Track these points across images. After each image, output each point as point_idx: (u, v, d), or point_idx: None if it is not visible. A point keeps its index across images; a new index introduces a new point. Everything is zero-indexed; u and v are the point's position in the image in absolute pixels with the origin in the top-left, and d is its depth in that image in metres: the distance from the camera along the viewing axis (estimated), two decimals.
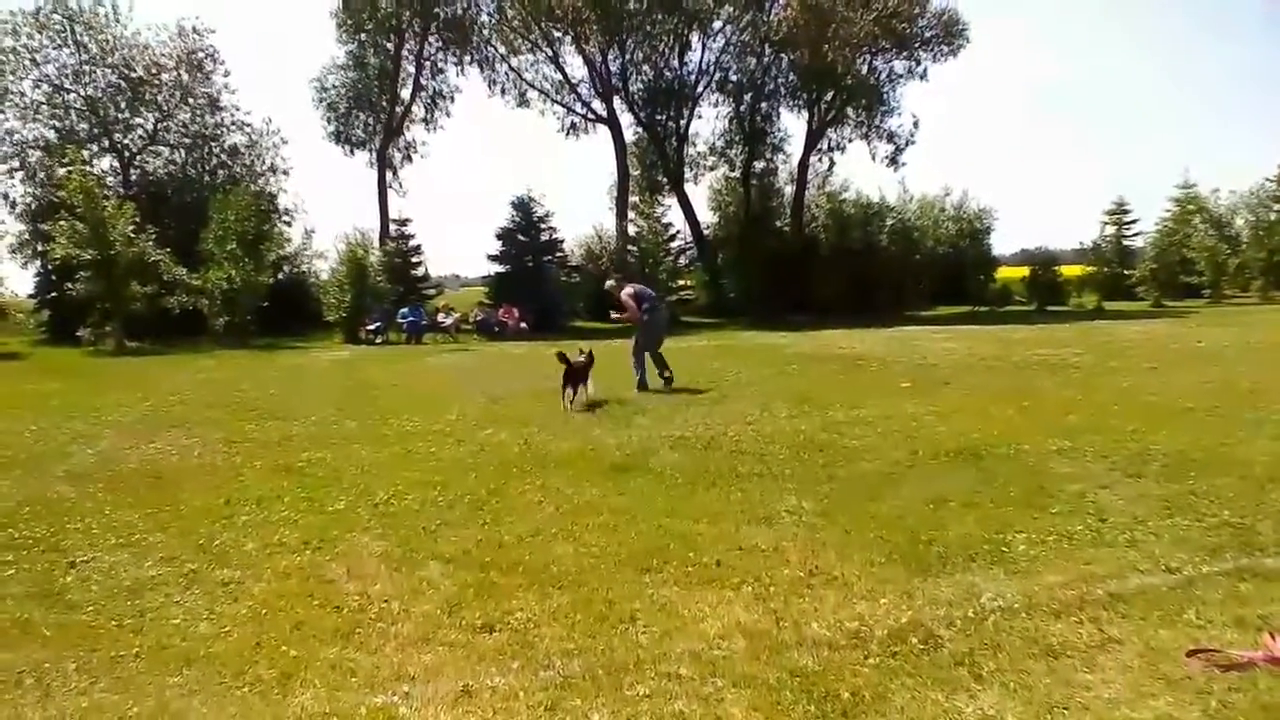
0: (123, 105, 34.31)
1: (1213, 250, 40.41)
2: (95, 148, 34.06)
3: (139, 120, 35.01)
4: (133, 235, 24.70)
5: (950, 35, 38.52)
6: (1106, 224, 46.40)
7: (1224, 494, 5.60)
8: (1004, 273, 46.93)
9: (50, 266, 27.20)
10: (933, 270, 41.06)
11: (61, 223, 24.49)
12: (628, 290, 12.26)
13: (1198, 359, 14.03)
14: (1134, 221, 45.98)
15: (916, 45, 38.73)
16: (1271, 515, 5.12)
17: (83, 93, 33.68)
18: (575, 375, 10.34)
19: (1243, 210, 45.55)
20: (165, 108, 34.95)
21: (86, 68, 33.57)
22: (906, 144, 40.34)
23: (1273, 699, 3.00)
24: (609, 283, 13.68)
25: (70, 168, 25.94)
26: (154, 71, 34.21)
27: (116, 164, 34.74)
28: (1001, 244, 54.39)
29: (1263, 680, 3.12)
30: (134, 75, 33.80)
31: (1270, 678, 3.13)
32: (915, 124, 40.42)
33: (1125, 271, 43.31)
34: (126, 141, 35.04)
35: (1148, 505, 5.42)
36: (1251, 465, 6.35)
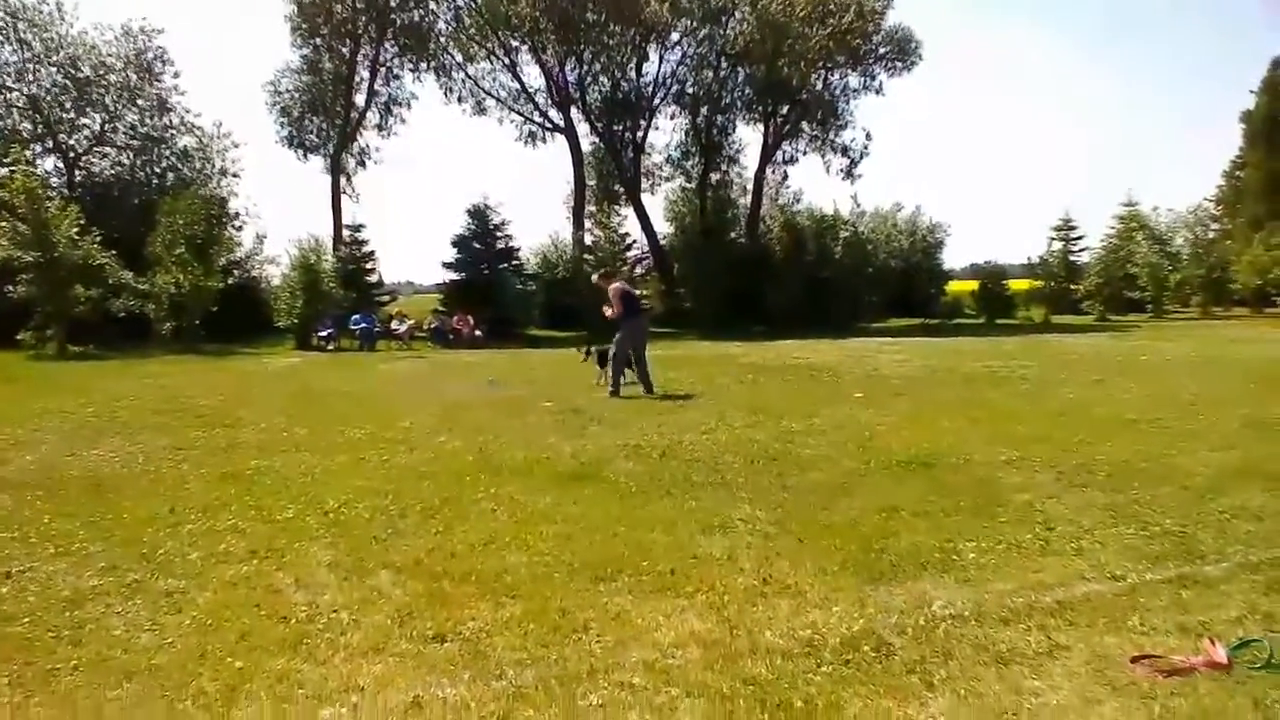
0: (68, 105, 33.57)
1: (1155, 267, 41.52)
2: (39, 148, 33.29)
3: (85, 121, 34.28)
4: (77, 237, 24.07)
5: (903, 52, 39.28)
6: (1054, 240, 47.31)
7: (1166, 503, 5.73)
8: (954, 286, 47.81)
9: None
10: (885, 283, 41.59)
11: (2, 224, 23.83)
12: (616, 286, 12.30)
13: (1141, 372, 14.37)
14: (1080, 238, 46.95)
15: (871, 61, 39.40)
16: (1211, 524, 5.25)
17: (26, 91, 32.91)
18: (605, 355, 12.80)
19: (1182, 229, 46.89)
20: (112, 108, 34.21)
21: (30, 66, 32.82)
22: (860, 157, 41.08)
23: (1213, 703, 3.06)
24: (594, 276, 13.75)
25: (13, 167, 25.28)
26: (101, 71, 33.50)
27: (61, 164, 33.99)
28: (952, 258, 55.28)
29: (1203, 684, 3.18)
30: (80, 75, 33.07)
31: (1210, 682, 3.20)
32: (868, 137, 41.13)
33: (1071, 286, 44.22)
34: (72, 142, 34.29)
35: (1093, 514, 5.53)
36: (1192, 475, 6.51)
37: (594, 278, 14.02)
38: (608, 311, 12.40)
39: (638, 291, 12.80)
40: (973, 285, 45.56)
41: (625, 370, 12.27)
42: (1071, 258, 46.32)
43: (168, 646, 3.74)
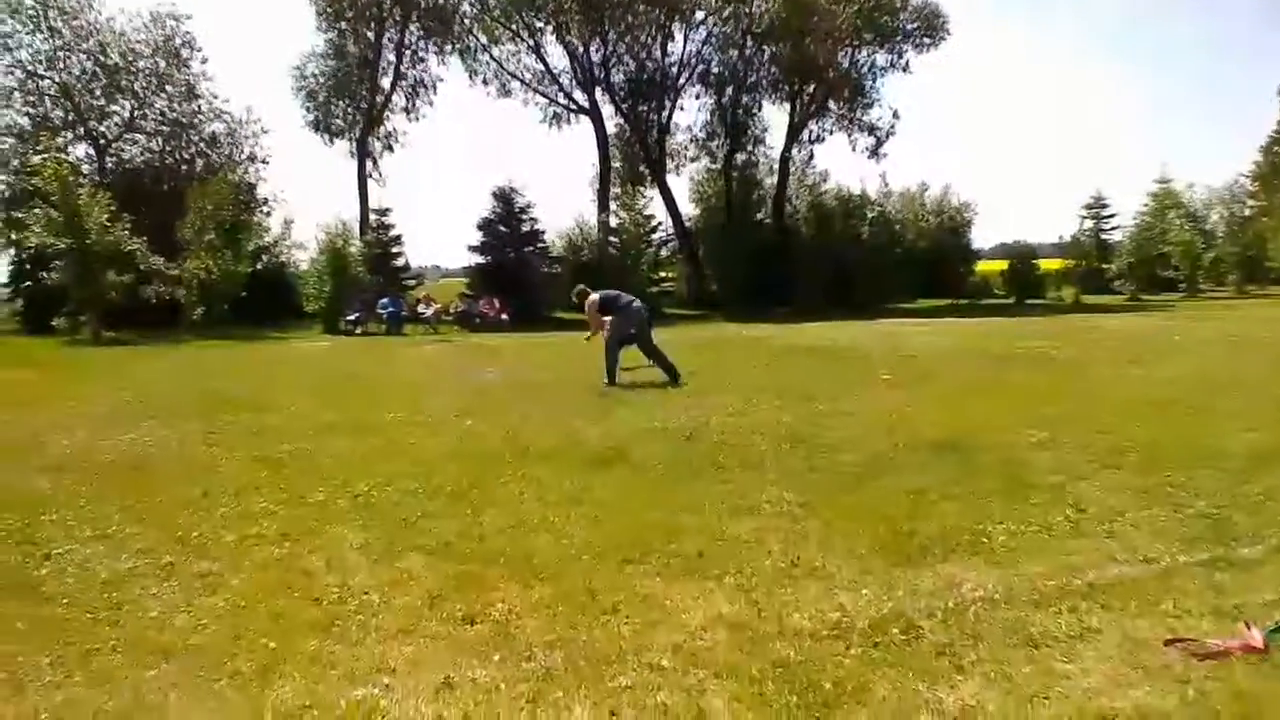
0: (98, 92, 33.89)
1: (1189, 245, 40.82)
2: (70, 135, 33.63)
3: (115, 108, 34.61)
4: (108, 224, 24.37)
5: (931, 28, 38.78)
6: (1085, 218, 46.77)
7: (1200, 485, 5.64)
8: (983, 266, 47.31)
9: (24, 255, 26.90)
10: (913, 263, 41.22)
11: (36, 211, 24.17)
12: (593, 298, 11.69)
13: (1174, 352, 14.16)
14: (1112, 216, 46.39)
15: (898, 38, 38.93)
16: (1246, 506, 5.17)
17: (57, 79, 33.22)
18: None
19: (1218, 205, 46.10)
20: (142, 95, 34.52)
21: (61, 54, 33.14)
22: (887, 136, 40.70)
23: (1248, 686, 3.03)
24: (574, 293, 13.27)
25: (45, 155, 25.59)
26: (130, 58, 33.77)
27: (92, 151, 34.35)
28: (981, 238, 54.61)
29: (1238, 668, 3.14)
30: (109, 62, 33.37)
31: (1245, 666, 3.16)
32: (895, 115, 40.74)
33: (1103, 265, 43.68)
34: (102, 129, 34.63)
35: (1126, 496, 5.46)
36: (1227, 457, 6.40)
37: (573, 293, 13.05)
38: (588, 335, 12.00)
39: (625, 297, 12.01)
40: (1002, 265, 45.06)
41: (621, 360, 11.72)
42: (1103, 236, 45.83)
43: (203, 628, 3.80)
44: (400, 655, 3.47)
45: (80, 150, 34.10)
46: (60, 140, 30.64)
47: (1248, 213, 45.27)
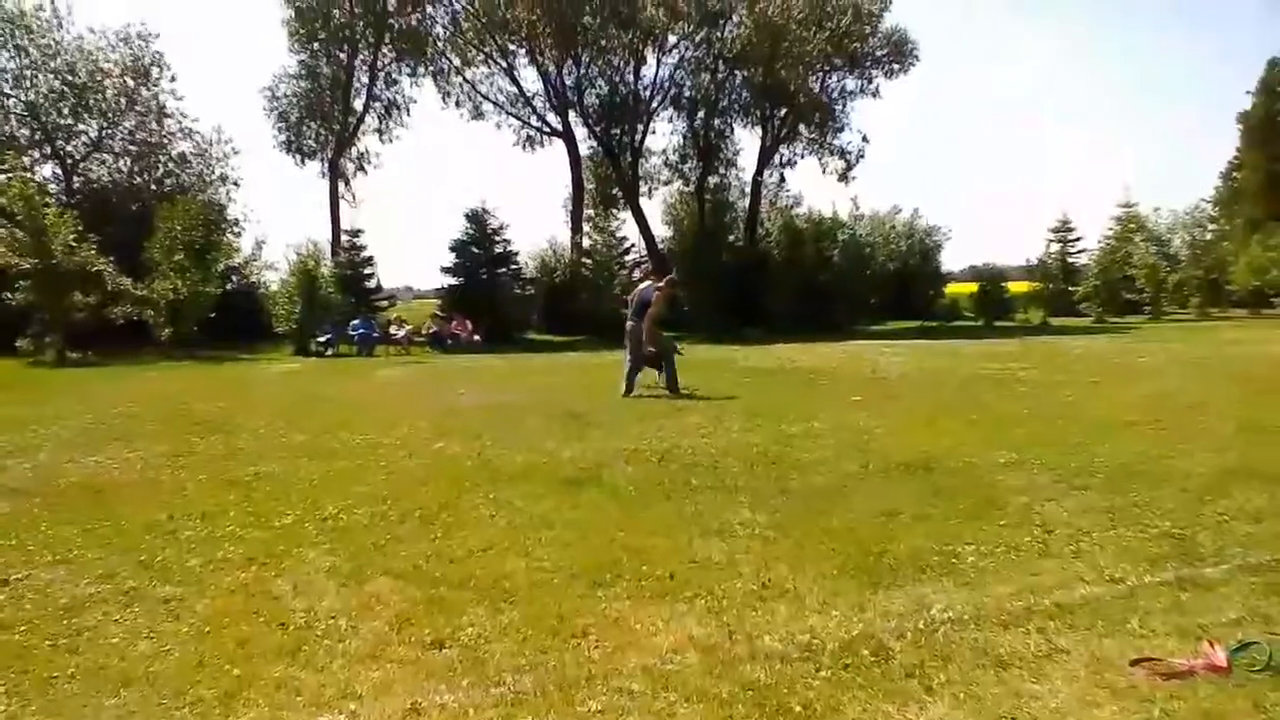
0: (65, 111, 33.49)
1: (1153, 268, 41.57)
2: (37, 154, 33.18)
3: (82, 127, 34.19)
4: (74, 244, 24.03)
5: (900, 54, 39.33)
6: (1052, 241, 47.50)
7: (1165, 505, 5.72)
8: (953, 288, 47.90)
9: None
10: (883, 285, 41.63)
11: (0, 230, 23.80)
12: (639, 288, 13.27)
13: (1140, 374, 14.38)
14: (1078, 239, 47.17)
15: (868, 64, 39.46)
16: (1210, 526, 5.25)
17: (23, 98, 32.82)
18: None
19: (1180, 229, 46.96)
20: (110, 114, 34.18)
21: (28, 72, 32.75)
22: (856, 160, 41.13)
23: (1212, 705, 3.06)
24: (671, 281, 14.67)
25: (10, 174, 25.24)
26: (98, 78, 33.47)
27: (59, 171, 33.87)
28: (952, 260, 55.59)
29: (1202, 688, 3.18)
30: (78, 81, 33.03)
31: (1210, 685, 3.20)
32: (864, 139, 41.25)
33: (1070, 288, 44.33)
34: (69, 148, 34.21)
35: (1092, 517, 5.52)
36: (1191, 477, 6.50)
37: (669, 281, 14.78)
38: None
39: (651, 290, 13.42)
40: (972, 287, 45.65)
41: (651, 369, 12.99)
42: (1069, 259, 46.55)
43: (165, 654, 3.73)
44: (367, 680, 3.42)
45: (47, 170, 33.65)
46: (26, 159, 30.24)
47: (1209, 237, 46.16)
